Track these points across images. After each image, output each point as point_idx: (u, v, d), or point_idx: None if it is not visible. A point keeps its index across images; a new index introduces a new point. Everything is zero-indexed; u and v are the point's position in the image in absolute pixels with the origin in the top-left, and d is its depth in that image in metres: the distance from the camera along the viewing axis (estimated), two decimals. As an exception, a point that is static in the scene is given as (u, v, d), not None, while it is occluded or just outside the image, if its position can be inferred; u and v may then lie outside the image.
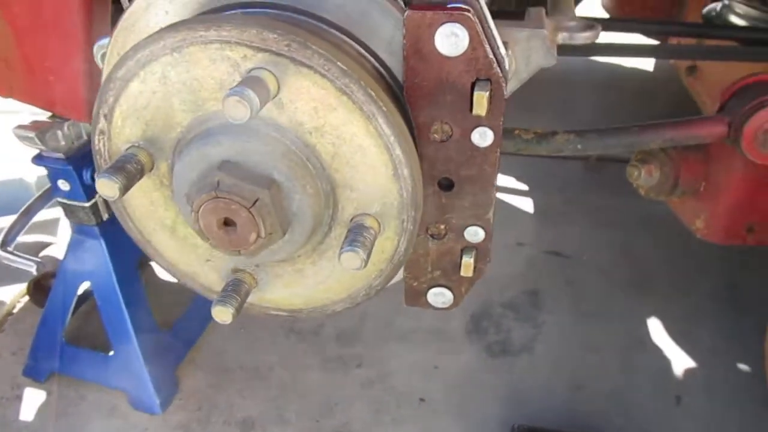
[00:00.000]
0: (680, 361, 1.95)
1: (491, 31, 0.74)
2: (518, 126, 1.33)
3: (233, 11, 0.75)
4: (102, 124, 0.76)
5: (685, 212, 1.53)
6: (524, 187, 2.71)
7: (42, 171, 1.70)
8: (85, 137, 1.67)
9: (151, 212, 0.84)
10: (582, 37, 1.27)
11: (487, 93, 0.70)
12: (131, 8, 0.79)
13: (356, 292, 0.84)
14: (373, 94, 0.67)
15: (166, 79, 0.71)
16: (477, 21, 0.68)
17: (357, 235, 0.72)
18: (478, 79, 0.71)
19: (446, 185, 0.80)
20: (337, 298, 0.85)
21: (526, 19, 1.24)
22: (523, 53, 1.19)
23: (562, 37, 1.28)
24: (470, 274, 0.85)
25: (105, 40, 0.90)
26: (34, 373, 1.96)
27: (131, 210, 0.84)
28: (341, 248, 0.70)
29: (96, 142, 0.78)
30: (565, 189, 2.71)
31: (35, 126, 1.55)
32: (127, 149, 0.76)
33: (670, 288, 2.20)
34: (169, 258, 0.88)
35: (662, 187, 1.44)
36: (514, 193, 2.67)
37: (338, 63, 0.66)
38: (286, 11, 0.74)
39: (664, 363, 1.95)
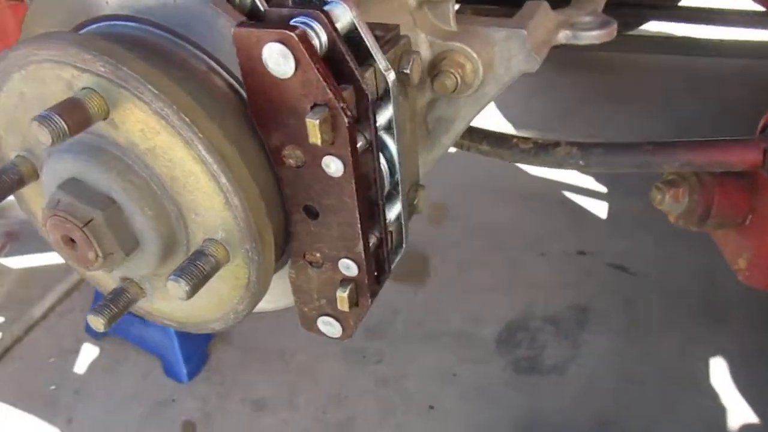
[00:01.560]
0: (738, 410, 1.69)
1: (346, 55, 0.66)
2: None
3: (100, 25, 0.74)
4: (-6, 132, 0.79)
5: (727, 248, 1.30)
6: (600, 188, 2.47)
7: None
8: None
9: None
10: (588, 37, 1.12)
11: (318, 120, 0.63)
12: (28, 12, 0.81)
13: (226, 314, 0.81)
14: (187, 119, 0.63)
15: (23, 94, 0.72)
16: (304, 42, 0.61)
17: (191, 263, 0.68)
18: (315, 104, 0.64)
19: (312, 213, 0.74)
20: (212, 317, 0.83)
21: (517, 16, 1.11)
22: (502, 56, 1.07)
23: (564, 36, 1.14)
24: (346, 308, 0.79)
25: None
26: (92, 331, 2.16)
27: (36, 213, 0.87)
28: (170, 275, 0.68)
29: (-7, 149, 0.81)
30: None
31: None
32: (14, 157, 0.79)
33: (747, 324, 1.90)
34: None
35: (691, 215, 1.23)
36: (586, 194, 2.44)
37: (149, 86, 0.62)
38: (145, 25, 0.71)
39: (717, 410, 1.70)
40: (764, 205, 1.19)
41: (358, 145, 0.68)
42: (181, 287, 0.66)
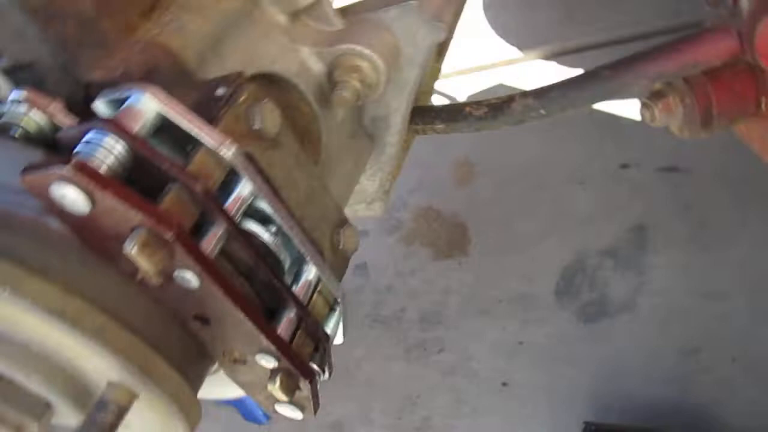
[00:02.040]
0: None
1: (145, 154, 0.56)
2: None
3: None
4: None
5: (754, 141, 1.10)
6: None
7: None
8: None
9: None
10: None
11: (135, 249, 0.54)
12: None
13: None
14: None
15: None
16: (81, 174, 0.52)
17: (91, 421, 0.63)
18: (133, 228, 0.55)
19: (204, 320, 0.66)
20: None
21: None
22: (405, 35, 0.93)
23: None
24: (285, 398, 0.71)
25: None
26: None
27: None
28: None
29: None
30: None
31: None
32: None
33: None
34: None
35: (693, 122, 1.04)
36: (610, 103, 2.19)
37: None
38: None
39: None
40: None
41: (211, 242, 0.59)
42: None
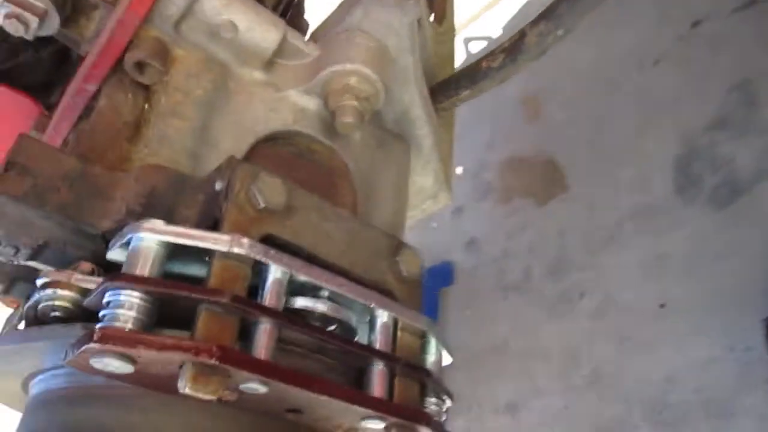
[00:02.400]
0: None
1: (164, 291, 0.55)
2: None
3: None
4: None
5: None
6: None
7: None
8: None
9: None
10: None
11: (189, 385, 0.53)
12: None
13: None
14: None
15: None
16: (111, 343, 0.52)
17: None
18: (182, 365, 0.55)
19: (295, 411, 0.64)
20: None
21: None
22: (380, 28, 0.87)
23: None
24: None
25: None
26: None
27: None
28: None
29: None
30: None
31: None
32: None
33: None
34: None
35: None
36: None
37: None
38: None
39: None
40: None
41: (262, 343, 0.57)
42: None
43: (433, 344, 0.74)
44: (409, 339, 0.72)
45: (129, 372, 0.54)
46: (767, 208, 1.46)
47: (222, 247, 0.58)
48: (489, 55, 0.98)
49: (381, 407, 0.63)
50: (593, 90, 1.95)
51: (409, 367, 0.68)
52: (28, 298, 0.75)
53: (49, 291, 0.61)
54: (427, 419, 0.67)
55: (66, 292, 0.61)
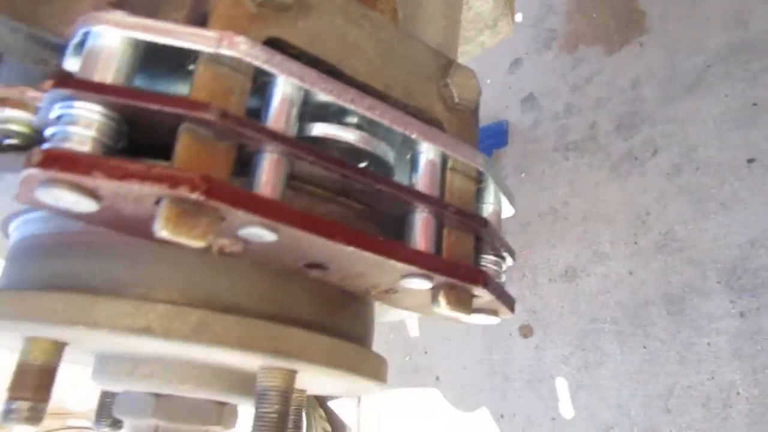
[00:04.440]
0: None
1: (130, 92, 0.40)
2: None
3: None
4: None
5: None
6: None
7: None
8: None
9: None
10: None
11: (167, 229, 0.40)
12: None
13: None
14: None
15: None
16: (62, 168, 0.39)
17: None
18: (158, 200, 0.41)
19: (317, 266, 0.51)
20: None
21: None
22: None
23: None
24: (458, 315, 0.54)
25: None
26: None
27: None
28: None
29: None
30: None
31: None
32: None
33: None
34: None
35: None
36: None
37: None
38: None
39: None
40: None
41: (266, 177, 0.43)
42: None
43: (491, 190, 0.59)
44: (462, 182, 0.56)
45: (92, 210, 0.41)
46: None
47: (208, 47, 0.42)
48: None
49: (426, 262, 0.49)
50: None
51: (461, 215, 0.53)
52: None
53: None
54: (483, 279, 0.53)
55: (20, 113, 0.47)
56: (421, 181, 0.53)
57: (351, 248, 0.45)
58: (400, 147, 0.55)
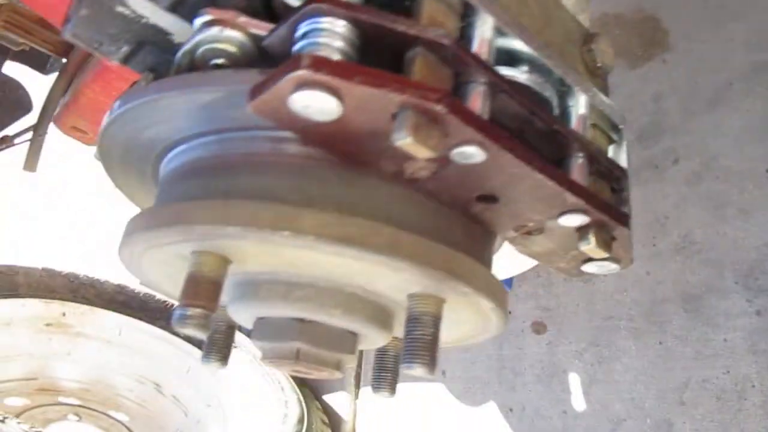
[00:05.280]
0: None
1: (373, 19, 0.45)
2: None
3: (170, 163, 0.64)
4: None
5: None
6: None
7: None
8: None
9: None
10: None
11: (409, 138, 0.44)
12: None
13: (484, 328, 0.69)
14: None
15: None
16: (320, 72, 0.42)
17: (413, 341, 0.57)
18: (393, 115, 0.45)
19: (490, 199, 0.56)
20: (475, 334, 0.72)
21: None
22: None
23: None
24: (603, 254, 0.59)
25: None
26: None
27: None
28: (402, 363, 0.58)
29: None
30: None
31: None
32: None
33: None
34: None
35: None
36: None
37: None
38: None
39: None
40: None
41: (479, 103, 0.48)
42: (418, 370, 0.56)
43: (624, 149, 0.65)
44: (600, 137, 0.62)
45: (333, 117, 0.44)
46: None
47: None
48: None
49: (592, 199, 0.54)
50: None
51: (611, 166, 0.59)
52: (151, 69, 0.65)
53: (214, 30, 0.51)
54: (627, 220, 0.58)
55: (235, 33, 0.51)
56: (575, 129, 0.58)
57: (540, 174, 0.50)
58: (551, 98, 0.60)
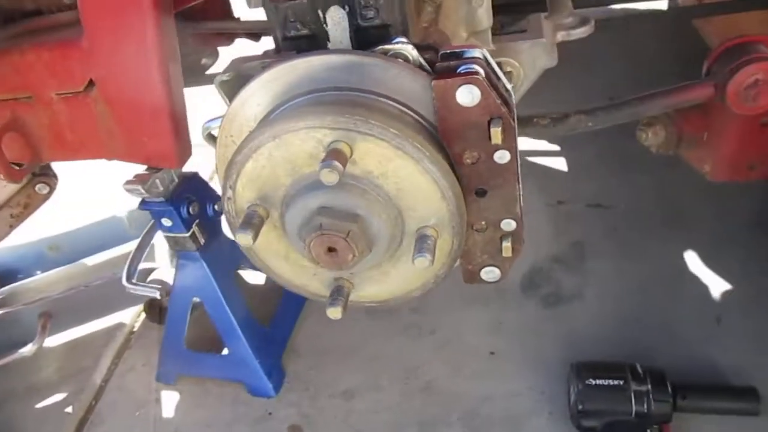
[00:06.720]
0: (717, 286, 2.18)
1: (498, 80, 1.00)
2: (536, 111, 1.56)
3: (308, 97, 1.03)
4: (229, 193, 1.06)
5: (695, 160, 1.74)
6: (556, 147, 2.93)
7: (130, 207, 2.25)
8: (176, 180, 1.99)
9: (269, 247, 1.14)
10: (578, 33, 1.49)
11: (500, 127, 0.97)
12: (232, 105, 1.09)
13: (427, 282, 1.12)
14: (418, 145, 0.95)
15: (272, 156, 1.00)
16: (485, 79, 0.95)
17: (423, 243, 1.01)
18: (492, 118, 0.98)
19: (481, 193, 1.07)
20: (413, 287, 1.14)
21: (528, 30, 1.47)
22: (529, 59, 1.44)
23: (561, 35, 1.50)
24: (510, 254, 1.13)
25: (210, 123, 1.20)
26: (165, 378, 2.34)
27: (255, 248, 1.14)
28: (414, 254, 0.99)
29: (225, 206, 1.08)
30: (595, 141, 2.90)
31: (139, 179, 1.88)
32: (248, 207, 1.06)
33: (700, 221, 2.42)
34: (286, 277, 1.19)
35: (669, 143, 1.66)
36: (548, 154, 2.89)
37: (391, 129, 0.93)
38: (346, 91, 1.01)
39: (703, 290, 2.18)
40: (714, 123, 1.64)
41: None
42: (427, 259, 0.98)
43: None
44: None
45: (468, 105, 0.95)
46: (571, 317, 2.20)
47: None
48: (541, 115, 1.58)
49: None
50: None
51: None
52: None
53: (408, 47, 1.00)
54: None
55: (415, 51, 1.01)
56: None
57: (517, 184, 1.04)
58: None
